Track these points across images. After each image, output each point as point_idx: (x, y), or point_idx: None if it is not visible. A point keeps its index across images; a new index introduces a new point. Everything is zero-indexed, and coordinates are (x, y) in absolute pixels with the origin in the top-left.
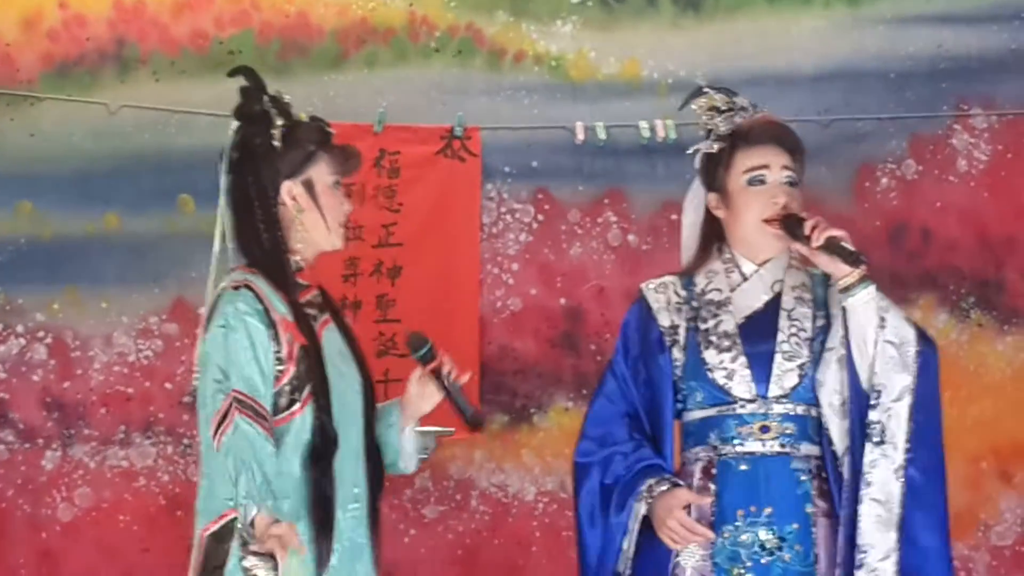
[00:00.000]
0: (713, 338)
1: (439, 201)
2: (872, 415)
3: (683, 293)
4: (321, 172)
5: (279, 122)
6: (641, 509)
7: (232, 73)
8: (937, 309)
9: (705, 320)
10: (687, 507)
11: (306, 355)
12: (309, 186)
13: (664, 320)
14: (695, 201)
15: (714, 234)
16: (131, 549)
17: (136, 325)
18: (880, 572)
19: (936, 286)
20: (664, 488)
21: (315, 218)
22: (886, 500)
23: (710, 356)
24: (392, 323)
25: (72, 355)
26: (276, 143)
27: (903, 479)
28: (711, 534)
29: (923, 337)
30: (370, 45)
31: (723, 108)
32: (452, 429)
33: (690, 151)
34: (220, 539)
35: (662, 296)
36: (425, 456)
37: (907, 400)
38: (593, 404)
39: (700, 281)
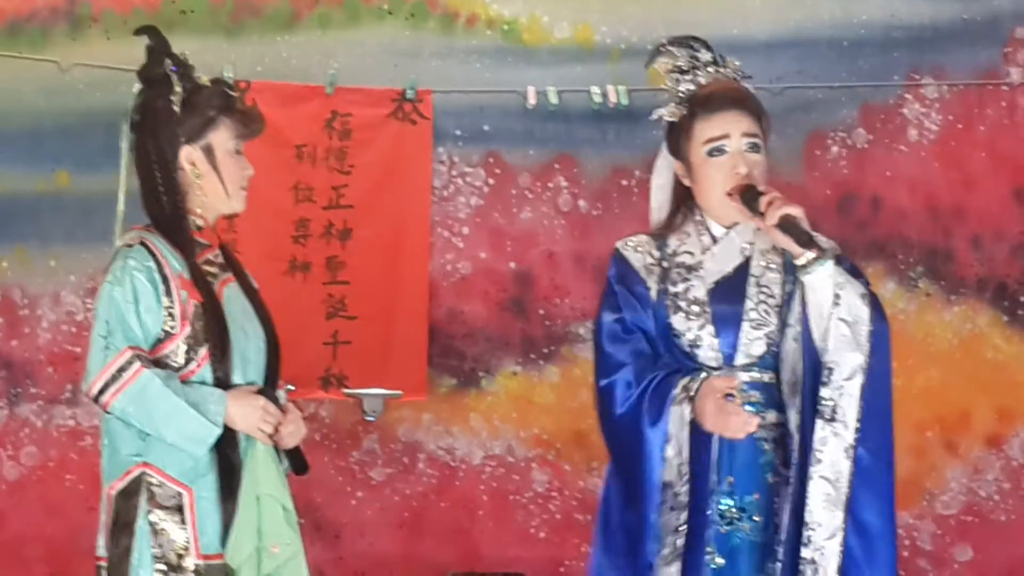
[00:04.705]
0: (682, 304)
1: (390, 164)
2: (824, 392)
3: (656, 254)
4: (222, 137)
5: (178, 88)
6: (685, 412)
7: (138, 32)
8: (885, 278)
9: (675, 283)
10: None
11: (203, 313)
12: (209, 151)
13: (646, 278)
14: (664, 164)
15: (684, 197)
16: (77, 508)
17: (84, 284)
18: (825, 551)
19: (885, 255)
20: (699, 383)
21: (214, 183)
22: (835, 479)
23: (678, 322)
24: (341, 285)
25: (20, 313)
26: (176, 108)
27: (852, 458)
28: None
29: (877, 316)
30: (323, 6)
31: (685, 67)
32: (400, 392)
33: (653, 116)
34: (128, 495)
35: (639, 256)
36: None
37: (858, 379)
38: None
39: (672, 243)
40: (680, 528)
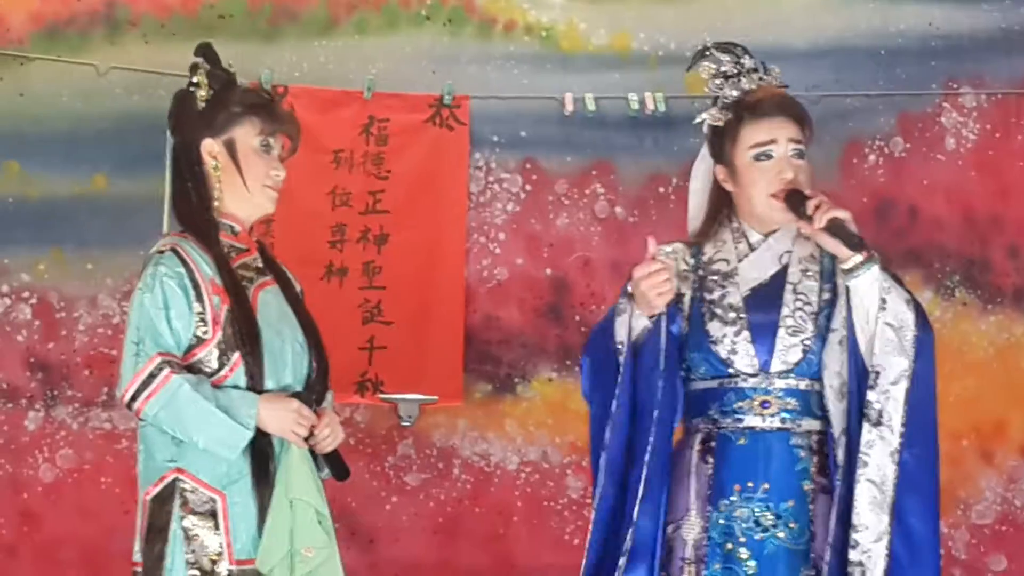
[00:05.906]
0: (718, 310)
1: (427, 169)
2: (870, 396)
3: (691, 262)
4: (246, 133)
5: (198, 79)
6: (628, 307)
7: (196, 52)
8: (922, 287)
9: (711, 291)
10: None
11: (234, 318)
12: (230, 145)
13: (679, 284)
14: (702, 169)
15: (722, 203)
16: (112, 511)
17: (121, 287)
18: (872, 554)
19: (921, 264)
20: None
21: (233, 177)
22: (881, 482)
23: (714, 328)
24: (378, 290)
25: (57, 316)
26: (201, 103)
27: (897, 463)
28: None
29: (922, 321)
30: (361, 12)
31: (730, 73)
32: (435, 397)
33: (696, 120)
34: (162, 501)
35: (672, 263)
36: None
37: (904, 384)
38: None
39: (708, 250)
40: None
